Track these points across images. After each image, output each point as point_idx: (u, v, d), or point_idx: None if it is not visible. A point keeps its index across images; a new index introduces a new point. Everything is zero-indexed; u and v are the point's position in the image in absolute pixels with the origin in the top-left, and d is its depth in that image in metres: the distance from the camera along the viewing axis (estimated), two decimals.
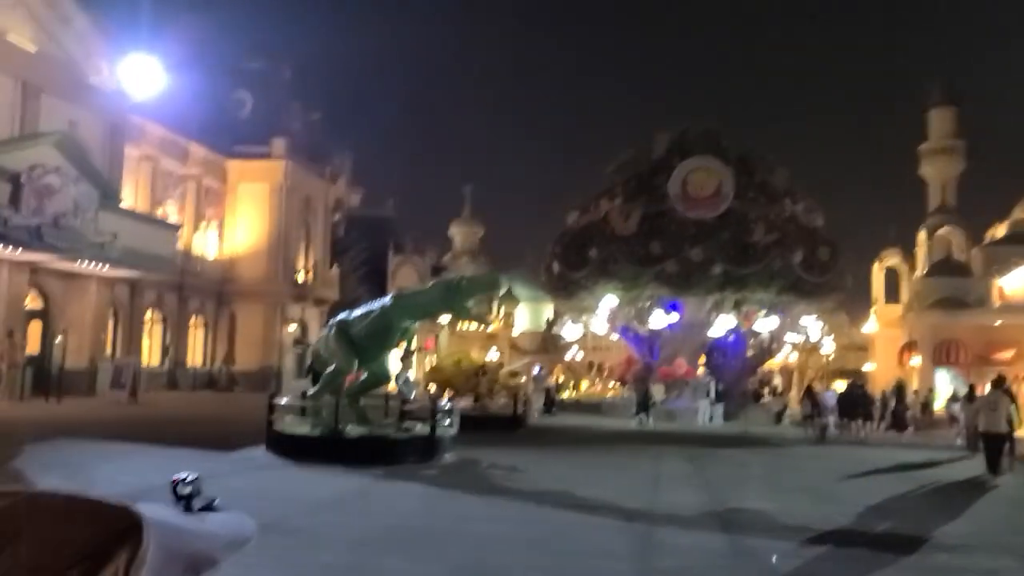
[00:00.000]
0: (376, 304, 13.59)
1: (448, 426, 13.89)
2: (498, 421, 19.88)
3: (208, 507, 1.43)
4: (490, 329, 60.62)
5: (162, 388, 29.22)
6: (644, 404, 23.50)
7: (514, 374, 27.67)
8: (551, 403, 28.28)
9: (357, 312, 13.77)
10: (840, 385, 37.39)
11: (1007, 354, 34.74)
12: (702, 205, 29.67)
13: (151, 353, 30.72)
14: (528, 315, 64.17)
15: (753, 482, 12.28)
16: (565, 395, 32.64)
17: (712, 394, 25.94)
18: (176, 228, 28.44)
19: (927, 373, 36.76)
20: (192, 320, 33.45)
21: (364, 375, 13.74)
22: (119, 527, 1.09)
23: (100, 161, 24.54)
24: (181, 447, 13.09)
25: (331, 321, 14.30)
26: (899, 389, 24.34)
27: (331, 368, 13.31)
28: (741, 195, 29.75)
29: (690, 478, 12.47)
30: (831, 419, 21.45)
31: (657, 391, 27.40)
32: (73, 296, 24.65)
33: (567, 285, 31.62)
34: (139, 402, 22.43)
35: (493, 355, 50.74)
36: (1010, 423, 13.87)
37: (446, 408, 14.24)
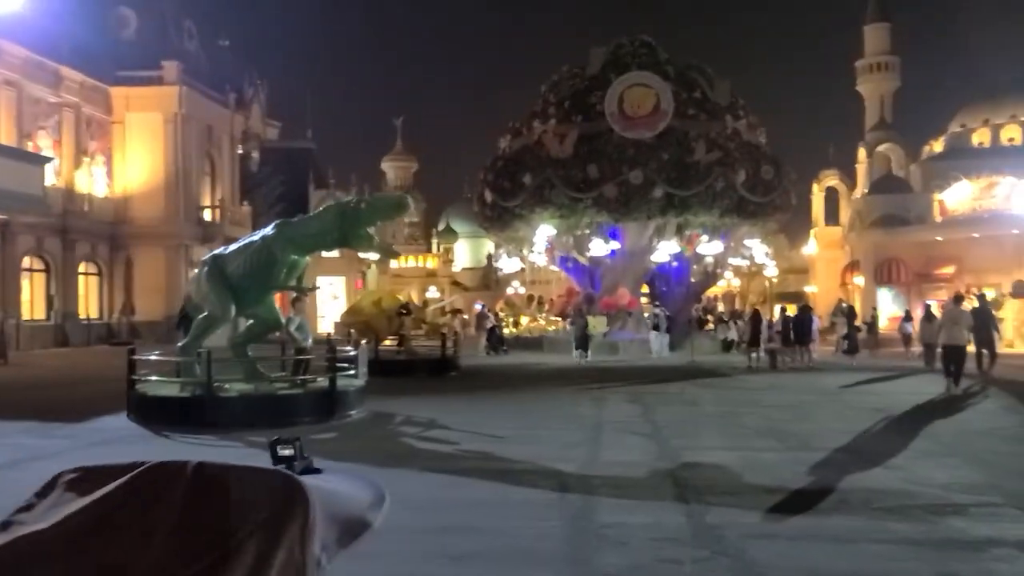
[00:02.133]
0: (257, 235, 11.26)
1: (354, 376, 11.78)
2: (426, 365, 18.02)
3: (309, 469, 1.40)
4: (429, 265, 58.61)
5: (49, 345, 26.15)
6: (583, 339, 21.86)
7: (445, 312, 25.57)
8: (498, 341, 26.53)
9: (234, 246, 11.43)
10: (781, 310, 36.69)
11: (948, 270, 34.33)
12: (640, 124, 27.70)
13: (33, 306, 27.43)
14: (468, 251, 62.18)
15: (707, 425, 10.62)
16: (504, 332, 30.91)
17: (662, 325, 24.25)
18: (43, 161, 24.82)
19: (870, 293, 36.27)
20: (82, 267, 30.06)
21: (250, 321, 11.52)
22: (288, 496, 1.13)
23: None
24: (23, 418, 10.75)
25: (203, 257, 11.89)
26: (850, 311, 23.27)
27: (204, 314, 11.01)
28: (681, 112, 27.89)
29: (636, 424, 10.74)
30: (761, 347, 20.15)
31: (599, 323, 25.88)
32: None
33: (501, 215, 29.60)
34: (8, 363, 19.62)
35: (433, 293, 48.73)
36: (989, 336, 15.16)
37: (351, 355, 12.07)
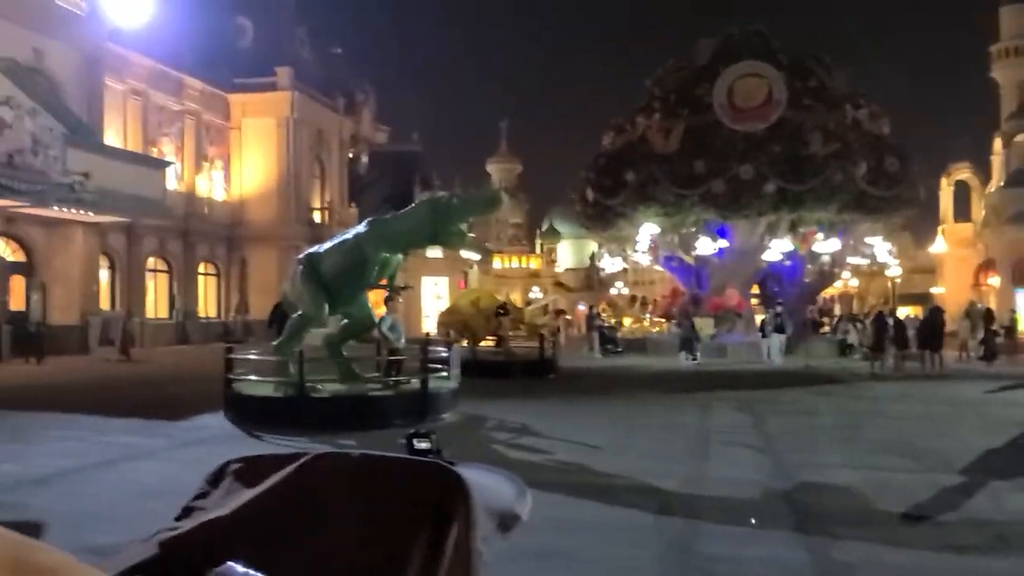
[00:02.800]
0: (349, 234, 11.13)
1: (446, 378, 11.46)
2: (523, 366, 17.58)
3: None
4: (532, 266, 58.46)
5: (171, 342, 27.44)
6: (689, 341, 20.84)
7: (547, 312, 25.06)
8: (611, 342, 25.74)
9: (328, 244, 11.34)
10: (905, 312, 34.14)
11: None
12: (751, 115, 26.29)
13: (157, 305, 28.90)
14: (571, 251, 61.63)
15: (827, 438, 9.65)
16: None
17: (787, 327, 22.52)
18: (164, 165, 26.01)
19: (1007, 294, 33.26)
20: (201, 268, 31.49)
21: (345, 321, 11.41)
22: (450, 486, 1.14)
23: (75, 95, 22.26)
24: (124, 416, 10.97)
25: (299, 256, 11.90)
26: (988, 314, 21.16)
27: (298, 313, 10.96)
28: (795, 102, 26.30)
29: (746, 435, 9.87)
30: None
31: (706, 324, 24.69)
32: (58, 246, 22.60)
33: (603, 213, 28.82)
34: (132, 359, 20.57)
35: (536, 294, 48.43)
36: None
37: (443, 356, 11.76)
